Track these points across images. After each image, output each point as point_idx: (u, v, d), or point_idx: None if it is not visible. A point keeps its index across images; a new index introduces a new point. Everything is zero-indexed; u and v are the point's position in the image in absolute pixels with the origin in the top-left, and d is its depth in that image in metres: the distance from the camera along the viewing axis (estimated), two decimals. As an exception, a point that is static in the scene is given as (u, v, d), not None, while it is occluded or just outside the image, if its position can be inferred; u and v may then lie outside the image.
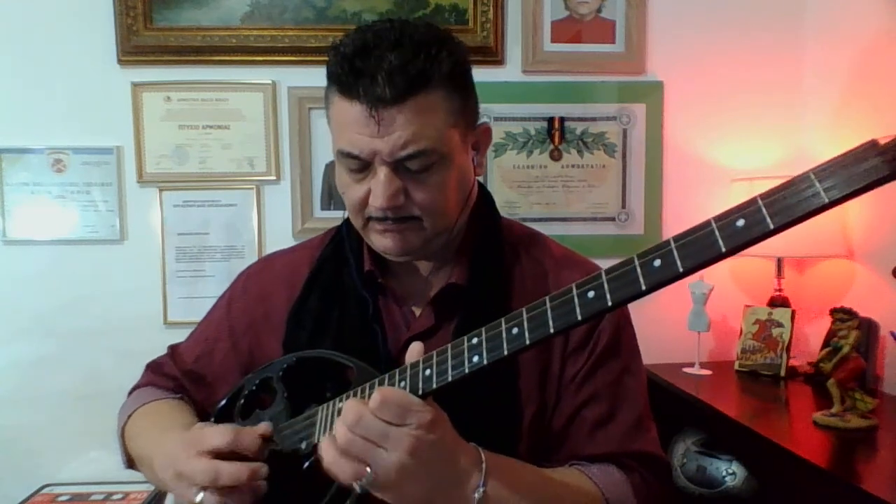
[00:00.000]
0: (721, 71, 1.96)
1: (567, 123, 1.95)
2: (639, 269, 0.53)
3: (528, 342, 0.59)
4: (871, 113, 1.72)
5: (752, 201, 0.48)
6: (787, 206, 0.47)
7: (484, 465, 0.68)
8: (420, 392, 0.65)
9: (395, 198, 0.76)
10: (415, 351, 0.69)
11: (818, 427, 1.35)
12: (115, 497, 1.76)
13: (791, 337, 1.76)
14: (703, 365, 1.82)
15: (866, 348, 1.56)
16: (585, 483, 0.80)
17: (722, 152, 1.98)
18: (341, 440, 0.63)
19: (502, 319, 0.62)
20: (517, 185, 1.95)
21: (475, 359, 0.62)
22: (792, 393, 1.67)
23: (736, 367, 1.83)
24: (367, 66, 0.72)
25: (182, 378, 0.97)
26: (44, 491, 1.81)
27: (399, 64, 0.72)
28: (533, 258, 0.91)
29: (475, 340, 0.63)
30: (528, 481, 0.73)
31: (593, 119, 1.96)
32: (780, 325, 1.78)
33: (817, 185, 0.46)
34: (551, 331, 0.58)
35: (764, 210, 0.48)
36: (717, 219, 0.50)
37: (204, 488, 0.69)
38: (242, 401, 0.85)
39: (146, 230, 1.90)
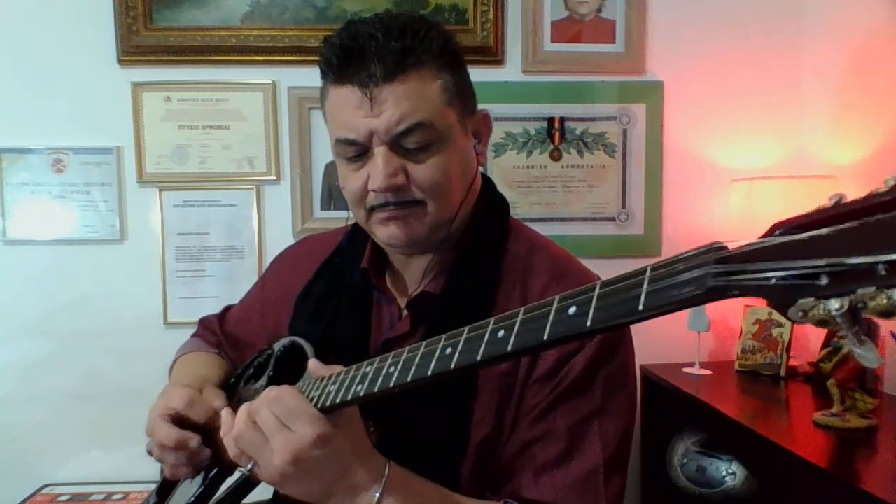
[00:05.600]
0: (721, 71, 1.96)
1: (567, 123, 1.95)
2: (552, 316, 0.48)
3: (408, 379, 0.57)
4: (871, 113, 1.72)
5: (592, 287, 0.46)
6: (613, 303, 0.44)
7: (384, 480, 0.68)
8: (319, 406, 0.66)
9: (394, 177, 0.75)
10: (311, 365, 0.72)
11: (818, 427, 1.35)
12: (115, 497, 1.76)
13: (791, 337, 1.76)
14: (703, 365, 1.82)
15: (866, 348, 1.55)
16: None
17: (722, 152, 1.98)
18: (237, 424, 0.68)
19: (404, 351, 0.60)
20: (517, 185, 1.95)
21: (358, 387, 0.62)
22: (792, 393, 1.67)
23: (736, 367, 1.83)
24: (357, 49, 0.74)
25: (222, 337, 1.07)
26: (44, 491, 1.81)
27: (387, 43, 0.73)
28: (530, 274, 0.84)
29: (368, 369, 0.63)
30: (431, 502, 0.72)
31: (593, 119, 1.96)
32: (780, 325, 1.78)
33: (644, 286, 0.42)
34: (440, 368, 0.55)
35: (594, 302, 0.45)
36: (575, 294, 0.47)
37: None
38: (251, 370, 0.91)
39: (146, 230, 1.90)
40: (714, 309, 1.84)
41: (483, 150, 0.87)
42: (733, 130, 1.97)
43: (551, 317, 0.48)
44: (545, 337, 0.47)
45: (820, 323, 0.34)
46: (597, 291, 0.45)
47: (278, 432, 0.65)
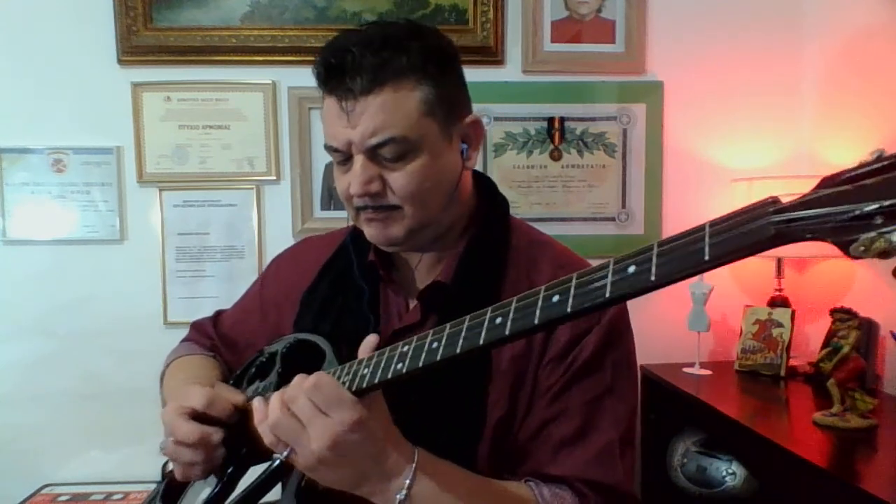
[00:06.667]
0: (721, 71, 1.96)
1: (567, 123, 1.95)
2: (610, 276, 0.50)
3: (458, 350, 0.59)
4: (871, 112, 1.72)
5: (649, 247, 0.48)
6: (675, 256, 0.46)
7: (414, 466, 0.70)
8: (353, 389, 0.67)
9: (369, 185, 0.79)
10: (367, 345, 0.72)
11: (818, 427, 1.35)
12: (115, 497, 1.76)
13: (791, 337, 1.76)
14: (703, 365, 1.82)
15: (866, 348, 1.56)
16: (528, 500, 0.78)
17: (722, 152, 1.98)
18: (272, 412, 0.69)
19: (447, 326, 0.61)
20: (517, 185, 1.95)
21: (399, 365, 0.64)
22: (792, 393, 1.67)
23: (736, 367, 1.83)
24: (337, 65, 0.77)
25: (217, 340, 1.07)
26: (44, 491, 1.81)
27: (364, 57, 0.76)
28: (533, 266, 0.88)
29: (405, 348, 0.64)
30: (460, 486, 0.73)
31: (593, 119, 1.96)
32: (780, 325, 1.78)
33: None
34: (457, 350, 0.58)
35: (655, 259, 0.47)
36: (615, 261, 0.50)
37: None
38: (254, 370, 0.91)
39: (146, 230, 1.90)
40: (714, 309, 1.84)
41: (472, 155, 0.88)
42: (733, 130, 1.98)
43: (610, 277, 0.49)
44: (607, 294, 0.49)
45: (882, 254, 0.38)
46: (656, 250, 0.47)
47: (316, 418, 0.66)
